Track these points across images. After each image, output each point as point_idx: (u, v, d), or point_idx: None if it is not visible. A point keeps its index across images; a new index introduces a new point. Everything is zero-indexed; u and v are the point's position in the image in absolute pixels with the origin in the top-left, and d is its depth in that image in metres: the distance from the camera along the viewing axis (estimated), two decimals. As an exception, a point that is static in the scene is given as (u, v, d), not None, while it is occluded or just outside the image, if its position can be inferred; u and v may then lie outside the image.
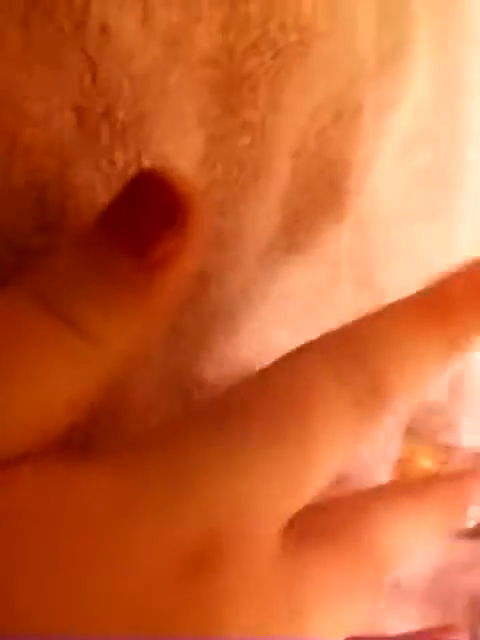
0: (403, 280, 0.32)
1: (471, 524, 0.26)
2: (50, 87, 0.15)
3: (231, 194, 0.20)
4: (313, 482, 0.14)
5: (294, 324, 0.24)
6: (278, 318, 0.23)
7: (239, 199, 0.20)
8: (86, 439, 0.17)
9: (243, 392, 0.15)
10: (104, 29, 0.15)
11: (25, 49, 0.14)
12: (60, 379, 0.13)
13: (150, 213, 0.13)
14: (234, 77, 0.20)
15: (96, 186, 0.16)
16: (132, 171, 0.17)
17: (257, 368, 0.22)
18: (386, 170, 0.28)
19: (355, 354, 0.15)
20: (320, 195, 0.24)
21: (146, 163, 0.17)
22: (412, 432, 0.33)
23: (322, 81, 0.22)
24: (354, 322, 0.16)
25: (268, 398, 0.14)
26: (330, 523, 0.16)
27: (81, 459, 0.13)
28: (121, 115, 0.16)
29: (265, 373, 0.15)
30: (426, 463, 0.33)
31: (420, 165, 0.30)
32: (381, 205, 0.29)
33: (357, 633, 0.16)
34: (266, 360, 0.23)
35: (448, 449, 0.33)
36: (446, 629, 0.25)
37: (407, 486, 0.20)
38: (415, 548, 0.17)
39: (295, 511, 0.14)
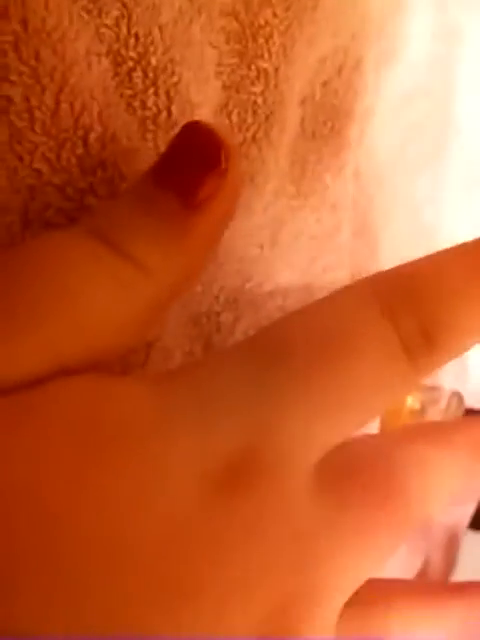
0: (397, 228, 0.33)
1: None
2: (89, 33, 0.16)
3: (245, 140, 0.21)
4: (352, 419, 0.14)
5: (302, 267, 0.25)
6: (286, 262, 0.25)
7: (252, 145, 0.22)
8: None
9: (286, 325, 0.15)
10: (138, -21, 0.16)
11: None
12: (111, 302, 0.14)
13: (195, 159, 0.15)
14: (250, 28, 0.21)
15: (132, 129, 0.17)
16: (164, 116, 0.18)
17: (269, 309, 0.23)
18: (383, 123, 0.30)
19: (409, 294, 0.14)
20: (324, 144, 0.25)
21: (175, 109, 0.18)
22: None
23: (328, 34, 0.24)
24: (409, 263, 0.15)
25: (312, 331, 0.14)
26: (365, 461, 0.15)
27: (120, 376, 0.15)
28: (153, 61, 0.17)
29: (309, 308, 0.15)
30: (415, 404, 0.35)
31: (415, 118, 0.32)
32: (378, 157, 0.30)
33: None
34: (279, 301, 0.25)
35: (434, 390, 0.35)
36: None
37: (437, 429, 0.19)
38: (447, 494, 0.17)
39: (332, 445, 0.14)
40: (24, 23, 0.14)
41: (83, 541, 0.12)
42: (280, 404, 0.13)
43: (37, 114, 0.15)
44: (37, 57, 0.15)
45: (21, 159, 0.15)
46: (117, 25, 0.16)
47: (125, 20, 0.17)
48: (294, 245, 0.25)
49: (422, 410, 0.36)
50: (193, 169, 0.15)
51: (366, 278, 0.15)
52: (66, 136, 0.16)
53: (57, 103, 0.15)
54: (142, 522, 0.12)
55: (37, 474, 0.12)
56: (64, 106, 0.15)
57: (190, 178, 0.15)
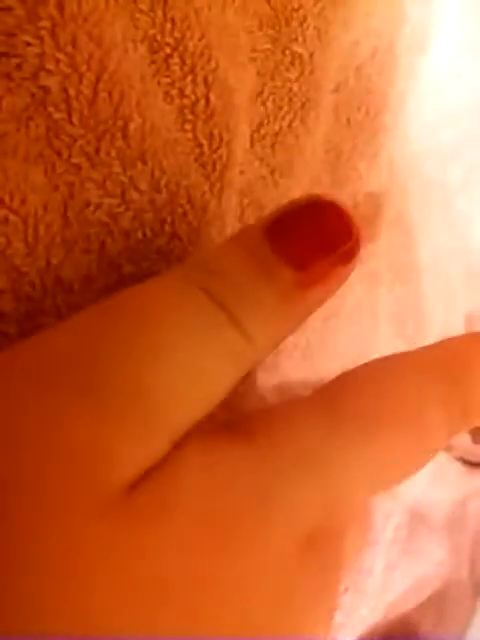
0: (430, 217, 0.32)
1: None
2: (125, 19, 0.15)
3: (281, 129, 0.21)
4: (398, 480, 0.15)
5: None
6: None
7: (288, 133, 0.21)
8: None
9: (359, 393, 0.15)
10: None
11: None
12: (226, 376, 0.14)
13: (321, 235, 0.15)
14: (283, 12, 0.20)
15: (170, 119, 0.16)
16: (202, 104, 0.17)
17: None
18: (416, 108, 0.29)
19: (455, 378, 0.15)
20: (359, 131, 0.24)
21: (213, 96, 0.17)
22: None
23: (361, 16, 0.23)
24: (449, 343, 0.16)
25: (384, 406, 0.15)
26: None
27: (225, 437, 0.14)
28: (190, 46, 0.16)
29: (372, 378, 0.15)
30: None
31: (447, 103, 0.31)
32: (411, 143, 0.29)
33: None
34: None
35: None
36: None
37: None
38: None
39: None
40: (60, 7, 0.13)
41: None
42: (350, 480, 0.14)
43: (75, 105, 0.14)
44: (74, 43, 0.14)
45: (59, 154, 0.15)
46: (152, 10, 0.16)
47: (160, 4, 0.16)
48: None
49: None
50: (319, 250, 0.14)
51: (418, 357, 0.16)
52: (105, 128, 0.15)
53: (95, 92, 0.14)
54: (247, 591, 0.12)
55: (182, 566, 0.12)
56: (103, 95, 0.14)
57: (310, 253, 0.14)
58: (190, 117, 0.17)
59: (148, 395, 0.12)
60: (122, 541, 0.11)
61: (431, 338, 0.33)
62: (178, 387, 0.13)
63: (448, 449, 0.36)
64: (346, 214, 0.15)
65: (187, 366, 0.13)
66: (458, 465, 0.39)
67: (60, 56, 0.14)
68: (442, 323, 0.34)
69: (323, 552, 0.14)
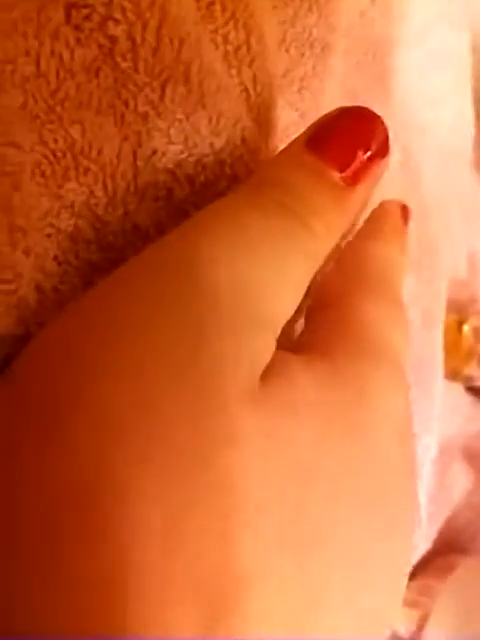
0: (425, 158, 0.33)
1: None
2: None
3: (305, 74, 0.21)
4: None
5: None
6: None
7: (313, 78, 0.21)
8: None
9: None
10: None
11: None
12: (302, 267, 0.15)
13: (355, 137, 0.17)
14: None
15: (217, 65, 0.17)
16: (244, 50, 0.17)
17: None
18: (406, 52, 0.30)
19: None
20: (370, 75, 0.25)
21: (253, 41, 0.18)
22: (449, 307, 0.36)
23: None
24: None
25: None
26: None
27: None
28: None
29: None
30: (469, 331, 0.35)
31: (434, 47, 0.32)
32: (403, 87, 0.30)
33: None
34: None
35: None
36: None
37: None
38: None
39: None
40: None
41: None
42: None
43: (140, 52, 0.15)
44: (137, -9, 0.14)
45: (127, 104, 0.15)
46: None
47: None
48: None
49: (477, 336, 0.36)
50: (356, 149, 0.17)
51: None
52: (169, 73, 0.15)
53: (159, 38, 0.15)
54: None
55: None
56: (165, 41, 0.15)
57: (352, 158, 0.16)
58: (235, 62, 0.17)
59: (253, 291, 0.14)
60: (273, 426, 0.12)
61: (446, 272, 0.34)
62: (272, 282, 0.14)
63: (465, 380, 0.37)
64: (373, 116, 0.17)
65: (277, 263, 0.15)
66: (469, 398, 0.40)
67: (126, 4, 0.14)
68: (449, 264, 0.36)
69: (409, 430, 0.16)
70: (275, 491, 0.12)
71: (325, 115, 0.17)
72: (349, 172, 0.16)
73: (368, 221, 0.22)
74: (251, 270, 0.14)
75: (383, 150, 0.17)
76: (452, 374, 0.36)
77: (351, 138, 0.17)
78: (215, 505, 0.11)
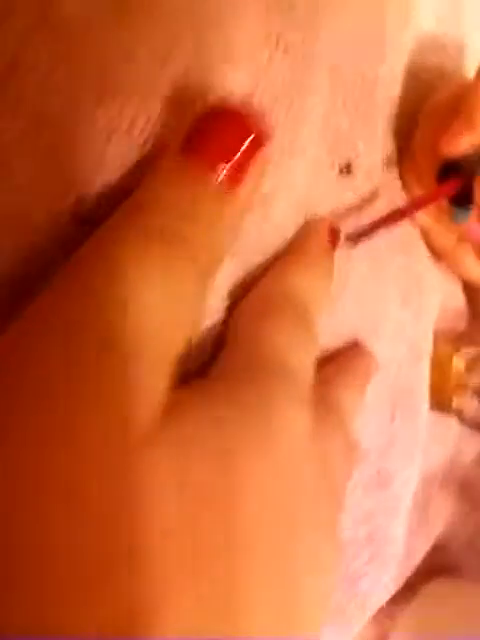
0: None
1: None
2: None
3: (279, 117, 0.21)
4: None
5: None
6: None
7: (286, 121, 0.21)
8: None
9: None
10: None
11: None
12: (189, 294, 0.15)
13: (227, 137, 0.16)
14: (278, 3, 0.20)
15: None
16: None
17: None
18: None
19: None
20: (355, 112, 0.25)
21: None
22: (444, 338, 0.35)
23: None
24: None
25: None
26: None
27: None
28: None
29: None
30: (460, 364, 0.35)
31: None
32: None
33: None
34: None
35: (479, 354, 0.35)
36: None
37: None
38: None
39: None
40: None
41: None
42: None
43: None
44: None
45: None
46: None
47: None
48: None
49: (467, 368, 0.36)
50: (231, 148, 0.16)
51: None
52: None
53: None
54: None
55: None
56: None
57: (228, 157, 0.16)
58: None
59: (139, 342, 0.14)
60: (172, 459, 0.13)
61: (435, 306, 0.33)
62: (162, 316, 0.14)
63: (454, 412, 0.37)
64: (243, 112, 0.17)
65: (159, 307, 0.14)
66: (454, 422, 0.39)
67: None
68: (443, 290, 0.35)
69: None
70: (178, 518, 0.13)
71: (191, 120, 0.17)
72: (228, 173, 0.16)
73: (293, 241, 0.22)
74: (140, 308, 0.14)
75: (257, 143, 0.17)
76: (441, 406, 0.35)
77: (222, 138, 0.16)
78: (122, 529, 0.12)
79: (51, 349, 0.13)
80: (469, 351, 0.36)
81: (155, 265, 0.15)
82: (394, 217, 0.25)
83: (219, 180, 0.16)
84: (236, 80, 0.19)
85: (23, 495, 0.12)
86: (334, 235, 0.24)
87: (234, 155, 0.16)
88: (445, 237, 0.31)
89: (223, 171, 0.16)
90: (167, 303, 0.14)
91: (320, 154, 0.24)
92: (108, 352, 0.13)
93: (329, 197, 0.25)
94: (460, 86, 0.26)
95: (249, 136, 0.16)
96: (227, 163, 0.16)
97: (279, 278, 0.21)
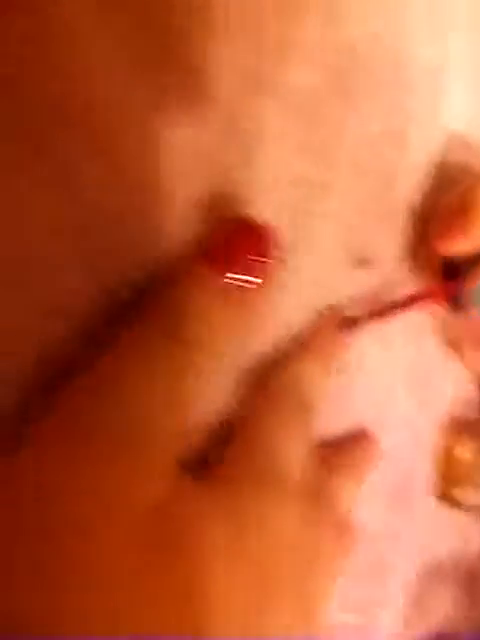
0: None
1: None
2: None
3: (297, 211, 0.22)
4: None
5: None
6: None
7: (305, 216, 0.22)
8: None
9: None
10: None
11: None
12: (191, 391, 0.17)
13: (245, 250, 0.18)
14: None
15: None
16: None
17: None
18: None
19: None
20: (374, 207, 0.25)
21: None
22: (452, 427, 0.35)
23: (373, 99, 0.24)
24: None
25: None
26: None
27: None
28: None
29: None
30: (465, 455, 0.34)
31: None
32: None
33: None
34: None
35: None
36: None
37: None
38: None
39: None
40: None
41: None
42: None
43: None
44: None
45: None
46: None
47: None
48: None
49: (473, 460, 0.35)
50: (242, 257, 0.18)
51: None
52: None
53: None
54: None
55: None
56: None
57: (251, 267, 0.18)
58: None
59: (142, 438, 0.15)
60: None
61: (444, 397, 0.33)
62: (160, 422, 0.16)
63: (456, 503, 0.37)
64: (258, 227, 0.18)
65: (163, 403, 0.16)
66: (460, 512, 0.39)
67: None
68: (455, 379, 0.35)
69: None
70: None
71: (209, 232, 0.18)
72: (241, 282, 0.17)
73: (304, 332, 0.23)
74: (138, 422, 0.15)
75: (272, 261, 0.18)
76: (447, 496, 0.35)
77: (238, 249, 0.18)
78: None
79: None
80: (476, 443, 0.36)
81: (165, 362, 0.16)
82: (388, 311, 0.26)
83: (233, 288, 0.17)
84: (255, 180, 0.20)
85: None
86: (346, 324, 0.25)
87: (248, 266, 0.17)
88: (457, 329, 0.32)
89: (237, 280, 0.17)
90: (170, 414, 0.16)
91: (335, 249, 0.24)
92: (121, 447, 0.15)
93: (343, 291, 0.25)
94: (467, 187, 0.26)
95: (263, 249, 0.18)
96: (241, 273, 0.17)
97: (286, 369, 0.22)
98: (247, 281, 0.18)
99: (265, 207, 0.20)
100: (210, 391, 0.17)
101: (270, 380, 0.21)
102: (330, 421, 0.26)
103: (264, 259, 0.18)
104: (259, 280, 0.18)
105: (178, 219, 0.18)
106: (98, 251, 0.17)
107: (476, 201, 0.25)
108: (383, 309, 0.26)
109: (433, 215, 0.27)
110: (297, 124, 0.21)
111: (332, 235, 0.24)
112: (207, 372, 0.17)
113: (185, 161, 0.18)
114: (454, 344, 0.32)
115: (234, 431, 0.20)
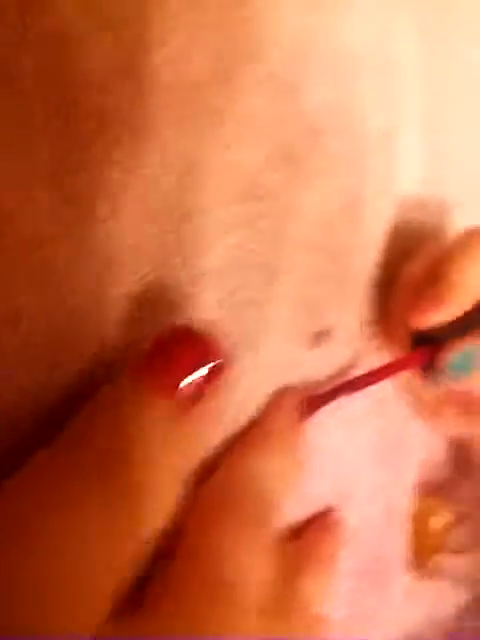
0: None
1: None
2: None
3: (249, 297, 0.21)
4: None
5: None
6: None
7: (256, 301, 0.21)
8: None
9: None
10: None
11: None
12: (128, 528, 0.14)
13: (184, 361, 0.16)
14: (251, 189, 0.20)
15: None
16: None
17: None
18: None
19: None
20: (328, 283, 0.24)
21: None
22: (424, 492, 0.34)
23: (330, 177, 0.23)
24: None
25: None
26: None
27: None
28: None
29: None
30: (440, 523, 0.33)
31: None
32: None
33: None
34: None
35: (459, 512, 0.34)
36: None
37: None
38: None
39: None
40: None
41: None
42: None
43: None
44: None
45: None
46: (106, 220, 0.16)
47: (115, 215, 0.16)
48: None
49: (447, 528, 0.34)
50: (184, 374, 0.16)
51: None
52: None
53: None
54: None
55: None
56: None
57: (193, 384, 0.16)
58: (148, 312, 0.17)
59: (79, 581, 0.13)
60: None
61: (415, 464, 0.32)
62: (97, 564, 0.13)
63: (431, 572, 0.35)
64: (200, 335, 0.16)
65: (102, 536, 0.14)
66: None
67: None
68: (426, 445, 0.34)
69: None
70: None
71: (151, 340, 0.16)
72: (178, 399, 0.15)
73: (259, 417, 0.22)
74: (75, 548, 0.13)
75: (217, 369, 0.16)
76: (420, 564, 0.34)
77: (179, 361, 0.16)
78: None
79: None
80: (448, 511, 0.35)
81: (96, 498, 0.14)
82: (358, 383, 0.24)
83: (177, 402, 0.15)
84: (202, 265, 0.19)
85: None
86: (305, 406, 0.23)
87: (193, 378, 0.16)
88: (426, 393, 0.31)
89: (182, 393, 0.16)
90: (102, 558, 0.14)
91: (292, 327, 0.23)
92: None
93: (302, 368, 0.24)
94: (434, 256, 0.25)
95: (210, 360, 0.16)
96: (186, 386, 0.16)
97: (240, 464, 0.20)
98: (196, 388, 0.16)
99: (207, 299, 0.19)
100: (154, 512, 0.15)
101: (221, 476, 0.20)
102: (293, 504, 0.25)
103: (210, 366, 0.16)
104: (204, 393, 0.16)
105: (113, 321, 0.17)
106: (30, 347, 0.15)
107: (445, 271, 0.24)
108: (354, 382, 0.25)
109: (398, 284, 0.26)
110: (242, 205, 0.20)
111: (284, 316, 0.22)
112: (151, 490, 0.15)
113: (121, 252, 0.16)
114: (426, 410, 0.31)
115: (177, 541, 0.18)
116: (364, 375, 0.25)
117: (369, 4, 0.26)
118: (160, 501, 0.15)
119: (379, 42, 0.27)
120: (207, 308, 0.19)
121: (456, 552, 0.35)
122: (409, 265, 0.27)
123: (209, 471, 0.20)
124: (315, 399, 0.24)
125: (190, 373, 0.16)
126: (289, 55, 0.21)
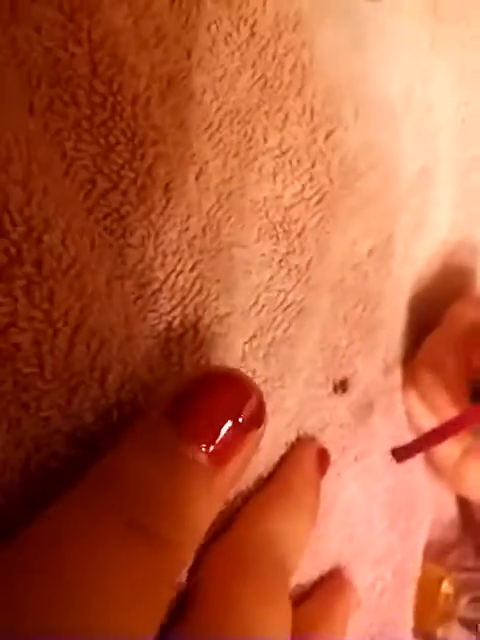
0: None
1: None
2: (114, 256, 0.14)
3: (274, 338, 0.19)
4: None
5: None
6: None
7: (281, 342, 0.20)
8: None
9: None
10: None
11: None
12: (156, 589, 0.12)
13: (225, 408, 0.14)
14: (281, 224, 0.19)
15: (154, 354, 0.15)
16: (190, 335, 0.16)
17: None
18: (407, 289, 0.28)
19: None
20: (355, 327, 0.23)
21: (202, 327, 0.16)
22: (433, 556, 0.32)
23: (360, 218, 0.22)
24: None
25: None
26: None
27: None
28: (180, 280, 0.15)
29: None
30: (449, 589, 0.31)
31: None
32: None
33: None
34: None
35: (469, 580, 0.32)
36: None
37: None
38: None
39: None
40: (38, 264, 0.12)
41: None
42: None
43: (48, 359, 0.13)
44: (51, 299, 0.12)
45: (26, 408, 0.13)
46: (143, 244, 0.15)
47: (151, 239, 0.15)
48: (321, 437, 0.22)
49: (456, 595, 0.32)
50: (222, 423, 0.14)
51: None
52: (80, 379, 0.13)
53: (71, 345, 0.13)
54: None
55: None
56: (79, 348, 0.13)
57: (228, 435, 0.14)
58: (176, 349, 0.16)
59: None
60: None
61: (425, 527, 0.30)
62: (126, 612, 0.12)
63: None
64: (243, 380, 0.14)
65: (128, 595, 0.12)
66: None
67: (35, 313, 0.12)
68: (435, 504, 0.32)
69: None
70: None
71: (186, 380, 0.14)
72: (215, 449, 0.13)
73: (277, 473, 0.20)
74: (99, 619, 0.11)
75: (257, 420, 0.14)
76: (425, 634, 0.32)
77: (216, 408, 0.14)
78: None
79: None
80: (457, 576, 0.33)
81: (126, 562, 0.12)
82: (431, 439, 0.23)
83: (205, 455, 0.13)
84: (231, 303, 0.18)
85: None
86: (323, 459, 0.22)
87: (229, 430, 0.14)
88: (449, 450, 0.29)
89: (211, 446, 0.13)
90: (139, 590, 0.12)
91: (315, 372, 0.22)
92: None
93: (320, 415, 0.23)
94: None
95: (251, 410, 0.14)
96: (217, 438, 0.14)
97: (257, 522, 0.19)
98: (234, 437, 0.14)
99: (234, 339, 0.18)
100: (175, 565, 0.13)
101: (239, 534, 0.18)
102: (304, 562, 0.23)
103: (244, 414, 0.14)
104: (237, 447, 0.14)
105: (142, 355, 0.15)
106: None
107: None
108: (426, 438, 0.23)
109: (448, 327, 0.25)
110: (272, 242, 0.19)
111: (309, 360, 0.21)
112: (177, 547, 0.13)
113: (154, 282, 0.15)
114: (444, 467, 0.30)
115: (191, 594, 0.16)
116: (432, 432, 0.23)
117: (408, 52, 0.26)
118: (182, 556, 0.13)
119: (416, 88, 0.26)
120: (234, 348, 0.18)
121: (465, 626, 0.33)
122: (459, 308, 0.26)
123: (221, 524, 0.18)
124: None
125: (230, 420, 0.14)
126: (329, 93, 0.20)
